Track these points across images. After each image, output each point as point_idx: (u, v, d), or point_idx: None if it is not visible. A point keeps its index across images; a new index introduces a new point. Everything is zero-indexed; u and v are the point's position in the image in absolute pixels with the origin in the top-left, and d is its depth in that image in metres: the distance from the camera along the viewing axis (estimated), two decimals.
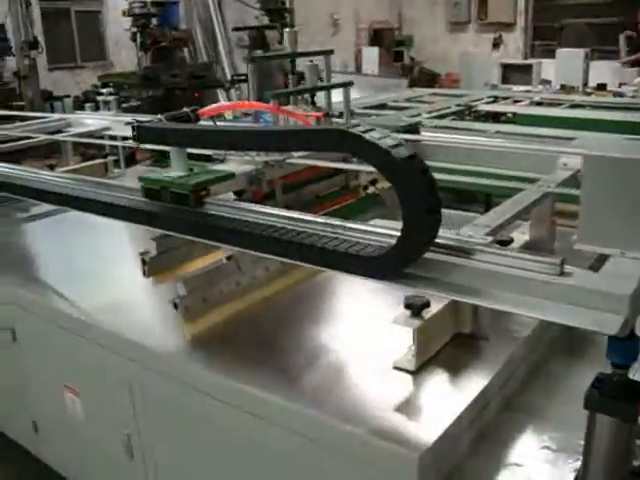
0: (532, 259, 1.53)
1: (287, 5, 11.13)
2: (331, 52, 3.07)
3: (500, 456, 1.75)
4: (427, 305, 1.85)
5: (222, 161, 2.46)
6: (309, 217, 1.89)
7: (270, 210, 2.00)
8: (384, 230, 1.71)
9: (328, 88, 2.99)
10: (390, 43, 15.04)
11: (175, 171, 2.14)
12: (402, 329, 1.88)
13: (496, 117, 5.51)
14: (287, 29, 3.15)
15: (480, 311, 2.02)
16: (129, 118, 3.11)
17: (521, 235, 2.49)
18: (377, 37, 15.10)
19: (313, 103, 2.91)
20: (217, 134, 2.12)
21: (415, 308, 1.84)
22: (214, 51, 12.12)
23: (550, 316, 1.43)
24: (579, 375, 2.02)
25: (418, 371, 1.87)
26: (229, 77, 11.52)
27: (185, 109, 2.44)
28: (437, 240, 1.59)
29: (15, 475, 3.45)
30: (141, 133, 2.22)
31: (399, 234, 1.55)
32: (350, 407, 1.76)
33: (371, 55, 13.33)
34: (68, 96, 10.69)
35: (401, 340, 1.93)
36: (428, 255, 1.59)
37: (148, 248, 2.23)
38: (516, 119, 5.29)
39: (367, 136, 1.52)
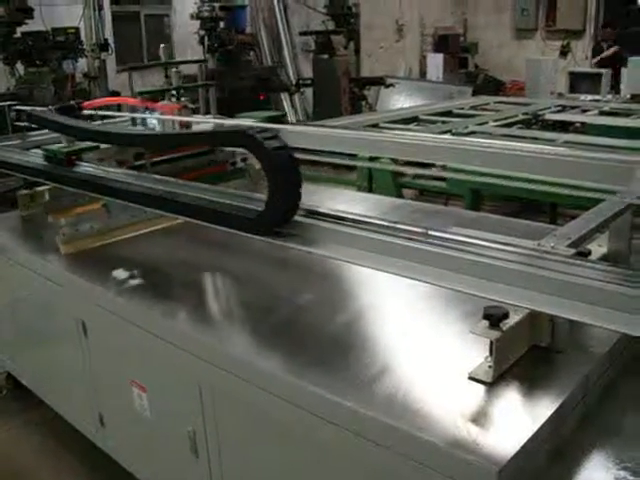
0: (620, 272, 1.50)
1: (353, 11, 11.17)
2: (203, 61, 3.95)
3: (576, 474, 1.70)
4: (506, 316, 1.82)
5: None
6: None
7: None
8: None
9: (190, 87, 4.02)
10: (455, 49, 14.87)
11: (63, 144, 3.17)
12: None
13: (564, 127, 5.42)
14: (163, 45, 4.24)
15: (558, 324, 1.97)
16: (200, 118, 3.30)
17: (597, 247, 2.43)
18: (442, 43, 14.95)
19: (178, 99, 3.65)
20: (84, 131, 3.10)
21: (494, 319, 1.80)
22: (279, 55, 12.23)
23: None
24: None
25: (494, 383, 1.84)
26: (294, 81, 11.61)
27: (72, 102, 3.52)
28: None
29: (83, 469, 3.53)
30: (30, 119, 3.44)
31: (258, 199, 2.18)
32: (426, 416, 1.73)
33: (435, 61, 13.22)
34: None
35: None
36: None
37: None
38: (585, 129, 5.19)
39: (250, 132, 2.11)
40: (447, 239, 1.69)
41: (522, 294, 1.65)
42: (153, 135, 3.17)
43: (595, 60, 11.04)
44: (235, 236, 2.28)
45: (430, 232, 1.70)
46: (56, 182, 3.17)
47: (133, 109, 3.64)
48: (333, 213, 2.15)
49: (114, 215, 3.26)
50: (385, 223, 2.02)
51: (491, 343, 1.81)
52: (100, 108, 3.64)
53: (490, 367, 1.84)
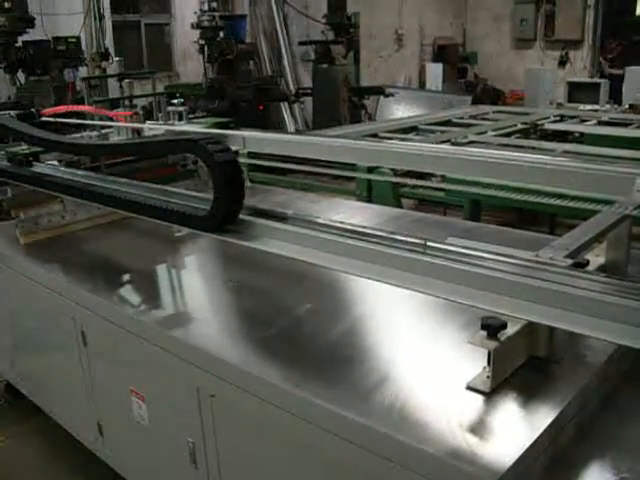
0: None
1: (352, 20, 11.19)
2: (153, 72, 4.42)
3: None
4: (504, 326, 1.82)
5: None
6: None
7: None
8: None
9: (143, 96, 4.19)
10: (454, 59, 14.93)
11: (22, 147, 3.56)
12: None
13: (563, 136, 5.44)
14: (116, 58, 4.27)
15: (556, 335, 1.98)
16: (198, 128, 3.33)
17: (595, 257, 2.43)
18: (441, 53, 15.02)
19: (132, 107, 3.99)
20: (46, 141, 3.33)
21: (492, 329, 1.81)
22: (278, 65, 12.26)
23: None
24: None
25: (492, 393, 1.84)
26: (293, 90, 11.63)
27: (32, 109, 3.89)
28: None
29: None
30: None
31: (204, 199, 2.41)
32: (424, 426, 1.74)
33: (435, 71, 13.29)
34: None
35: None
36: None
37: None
38: (584, 139, 5.21)
39: (194, 138, 2.33)
40: (445, 250, 1.69)
41: (520, 305, 1.66)
42: (98, 145, 3.47)
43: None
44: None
45: (429, 243, 1.71)
46: (17, 181, 3.46)
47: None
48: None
49: (70, 210, 3.60)
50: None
51: (489, 353, 1.82)
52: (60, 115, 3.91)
53: (488, 377, 1.84)
